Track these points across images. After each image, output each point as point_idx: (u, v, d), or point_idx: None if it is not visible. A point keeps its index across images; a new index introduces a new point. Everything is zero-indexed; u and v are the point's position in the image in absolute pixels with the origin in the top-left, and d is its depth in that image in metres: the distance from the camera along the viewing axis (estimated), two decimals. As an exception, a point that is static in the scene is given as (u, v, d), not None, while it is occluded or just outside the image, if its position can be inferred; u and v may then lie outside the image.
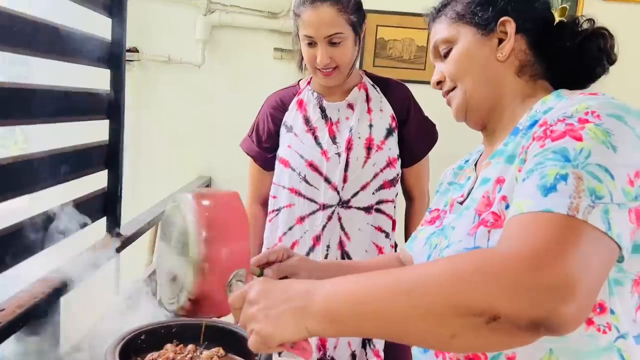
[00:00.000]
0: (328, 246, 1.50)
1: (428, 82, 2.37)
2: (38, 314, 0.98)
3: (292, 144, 1.53)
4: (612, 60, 0.87)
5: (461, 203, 0.91)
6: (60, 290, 1.07)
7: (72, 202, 1.29)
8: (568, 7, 0.95)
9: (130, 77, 2.69)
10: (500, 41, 0.88)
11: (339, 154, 1.49)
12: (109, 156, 1.40)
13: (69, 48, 1.13)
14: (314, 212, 1.51)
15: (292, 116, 1.56)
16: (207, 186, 2.80)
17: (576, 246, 0.58)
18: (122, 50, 1.36)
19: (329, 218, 1.50)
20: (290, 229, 1.54)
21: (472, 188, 0.90)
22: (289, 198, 1.52)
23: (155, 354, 0.97)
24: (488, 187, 0.82)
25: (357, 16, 1.47)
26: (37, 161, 1.08)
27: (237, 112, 2.65)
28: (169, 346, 1.00)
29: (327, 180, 1.49)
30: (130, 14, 2.59)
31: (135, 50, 2.67)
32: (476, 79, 0.89)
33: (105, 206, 1.42)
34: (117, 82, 1.39)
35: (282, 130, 1.58)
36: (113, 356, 0.89)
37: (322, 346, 1.52)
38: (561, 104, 0.76)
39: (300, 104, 1.56)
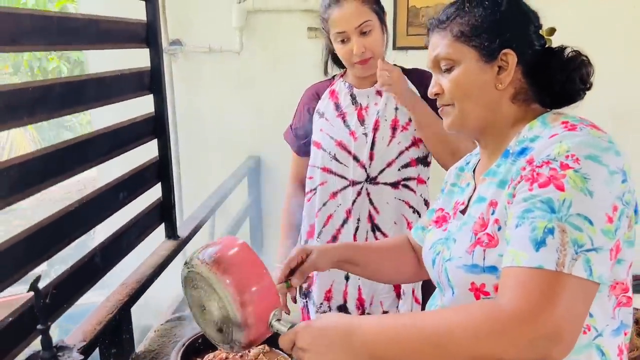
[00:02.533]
0: (358, 219, 1.63)
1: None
2: (115, 326, 1.18)
3: (324, 127, 1.67)
4: (589, 88, 0.94)
5: (462, 212, 1.02)
6: (130, 301, 1.27)
7: (134, 218, 1.48)
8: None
9: (177, 68, 2.87)
10: (499, 68, 0.94)
11: (365, 134, 1.62)
12: (160, 171, 1.57)
13: (111, 35, 1.29)
14: (344, 188, 1.65)
15: (324, 104, 1.70)
16: (257, 165, 2.97)
17: (562, 297, 0.74)
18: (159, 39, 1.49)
19: (359, 193, 1.63)
20: (324, 204, 1.69)
21: (471, 197, 1.01)
22: (322, 176, 1.67)
23: (211, 355, 1.16)
24: (483, 207, 0.93)
25: (378, 6, 1.58)
26: (100, 195, 1.27)
27: (279, 92, 2.78)
28: (222, 346, 1.19)
29: (355, 158, 1.63)
30: (172, 7, 2.74)
31: (179, 42, 2.82)
32: (474, 102, 0.96)
33: (162, 214, 1.60)
34: (160, 102, 1.53)
35: (315, 117, 1.71)
36: (176, 358, 1.08)
37: (360, 305, 1.69)
38: (545, 134, 0.87)
39: (332, 93, 1.70)
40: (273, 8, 2.72)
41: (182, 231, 1.70)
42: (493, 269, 0.87)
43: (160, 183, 1.59)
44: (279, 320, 0.88)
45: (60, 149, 1.12)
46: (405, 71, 1.70)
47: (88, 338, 1.07)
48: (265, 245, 3.03)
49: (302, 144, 1.76)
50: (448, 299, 0.98)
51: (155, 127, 1.55)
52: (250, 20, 2.76)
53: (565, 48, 0.95)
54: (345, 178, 1.64)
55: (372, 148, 1.61)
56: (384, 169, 1.62)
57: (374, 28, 1.55)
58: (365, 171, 1.62)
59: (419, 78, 1.69)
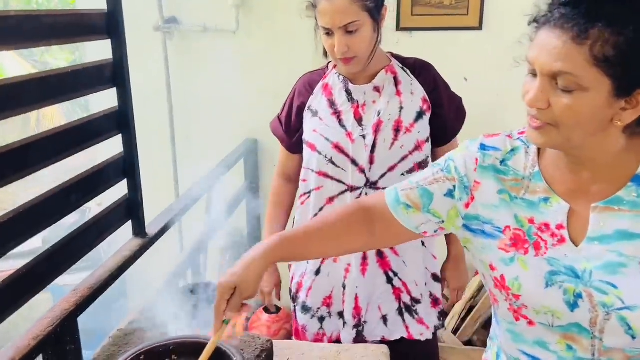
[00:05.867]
0: None
1: (472, 28, 2.39)
2: (56, 340, 1.15)
3: (317, 128, 1.57)
4: None
5: (574, 243, 0.90)
6: (77, 310, 1.23)
7: (98, 215, 1.44)
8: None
9: (172, 47, 2.78)
10: (625, 102, 0.82)
11: (364, 136, 1.51)
12: (125, 167, 1.51)
13: (68, 30, 1.24)
14: (342, 193, 1.56)
15: (317, 100, 1.59)
16: (254, 148, 2.90)
17: None
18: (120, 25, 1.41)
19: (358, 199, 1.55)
20: (320, 209, 1.60)
21: (568, 219, 0.91)
22: (318, 181, 1.58)
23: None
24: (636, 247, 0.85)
25: (375, 1, 1.44)
26: (58, 193, 1.23)
27: (277, 72, 2.67)
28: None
29: (353, 162, 1.52)
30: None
31: (174, 20, 2.72)
32: (584, 133, 0.84)
33: (128, 212, 1.55)
34: (124, 96, 1.46)
35: (307, 114, 1.61)
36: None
37: (356, 314, 1.63)
38: None
39: (326, 87, 1.58)
40: (270, -15, 2.60)
41: (153, 228, 1.65)
42: None
43: (125, 180, 1.53)
44: None
45: (19, 147, 1.09)
46: (404, 60, 1.59)
47: (19, 357, 1.04)
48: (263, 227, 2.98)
49: (293, 142, 1.66)
50: (624, 343, 0.89)
51: (120, 122, 1.48)
52: (247, -2, 2.64)
53: None
54: (343, 183, 1.55)
55: (372, 151, 1.50)
56: (385, 174, 1.53)
57: (361, 27, 1.42)
58: (365, 175, 1.52)
59: (420, 71, 1.58)
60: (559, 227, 0.91)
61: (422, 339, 1.65)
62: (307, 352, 1.54)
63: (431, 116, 1.55)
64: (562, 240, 0.91)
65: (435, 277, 1.67)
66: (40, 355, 1.15)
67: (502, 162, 0.98)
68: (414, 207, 1.04)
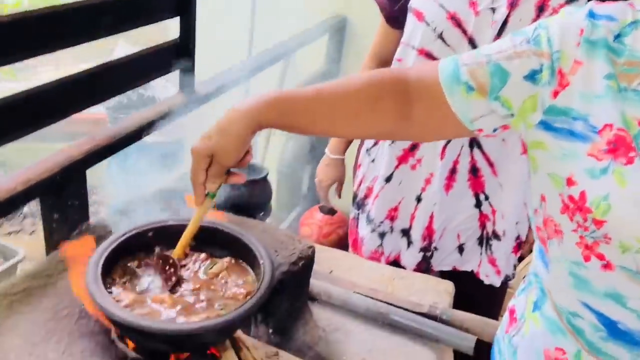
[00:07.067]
0: None
1: None
2: (54, 190, 0.92)
3: None
4: None
5: None
6: (88, 160, 0.99)
7: (141, 52, 1.18)
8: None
9: None
10: None
11: (493, 9, 1.14)
12: (179, 1, 1.21)
13: None
14: None
15: None
16: (342, 27, 2.51)
17: None
18: None
19: None
20: None
21: None
22: (417, 62, 1.22)
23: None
24: None
25: None
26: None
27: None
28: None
29: (471, 42, 1.17)
30: None
31: None
32: None
33: (177, 58, 1.27)
34: None
35: None
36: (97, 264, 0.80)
37: (427, 236, 1.37)
38: None
39: None
40: None
41: (204, 87, 1.37)
42: None
43: (178, 18, 1.24)
44: None
45: None
46: None
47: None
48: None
49: (395, 11, 1.28)
50: None
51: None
52: None
53: None
54: None
55: (500, 32, 1.14)
56: None
57: None
58: None
59: None
60: None
61: (487, 281, 1.38)
62: (356, 268, 1.28)
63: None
64: None
65: None
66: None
67: (617, 37, 0.73)
68: (478, 89, 0.75)
